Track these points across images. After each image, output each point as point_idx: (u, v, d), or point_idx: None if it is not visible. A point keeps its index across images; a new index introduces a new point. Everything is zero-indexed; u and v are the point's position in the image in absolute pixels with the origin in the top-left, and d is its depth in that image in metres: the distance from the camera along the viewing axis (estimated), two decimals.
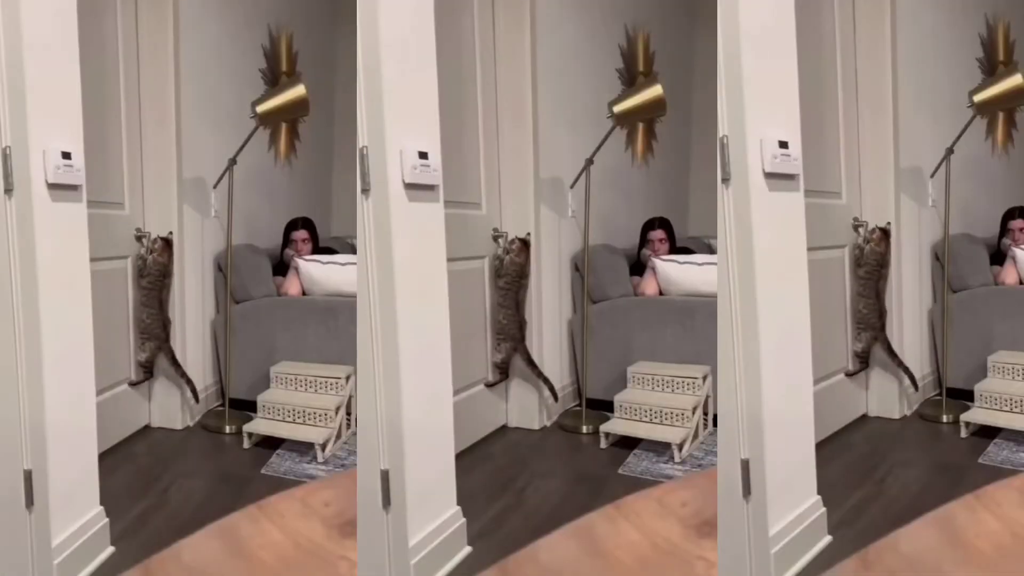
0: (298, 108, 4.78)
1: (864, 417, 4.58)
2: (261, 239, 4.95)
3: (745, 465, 3.07)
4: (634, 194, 5.20)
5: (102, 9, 4.23)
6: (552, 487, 3.91)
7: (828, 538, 3.29)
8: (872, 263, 4.40)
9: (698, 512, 3.55)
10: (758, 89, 3.02)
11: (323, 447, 4.13)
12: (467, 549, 3.32)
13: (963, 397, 4.50)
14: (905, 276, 4.61)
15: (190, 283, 4.60)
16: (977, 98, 4.66)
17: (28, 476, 3.06)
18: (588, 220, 4.61)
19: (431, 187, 3.17)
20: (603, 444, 4.31)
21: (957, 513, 3.52)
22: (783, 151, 3.07)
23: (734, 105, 3.00)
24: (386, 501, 3.08)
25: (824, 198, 4.28)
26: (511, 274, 4.39)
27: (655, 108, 4.81)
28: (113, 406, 4.22)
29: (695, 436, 4.21)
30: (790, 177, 3.14)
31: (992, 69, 4.91)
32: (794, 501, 3.19)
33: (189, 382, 4.50)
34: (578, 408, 4.62)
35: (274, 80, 5.00)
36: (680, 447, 4.12)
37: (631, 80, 5.02)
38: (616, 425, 4.31)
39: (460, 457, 3.44)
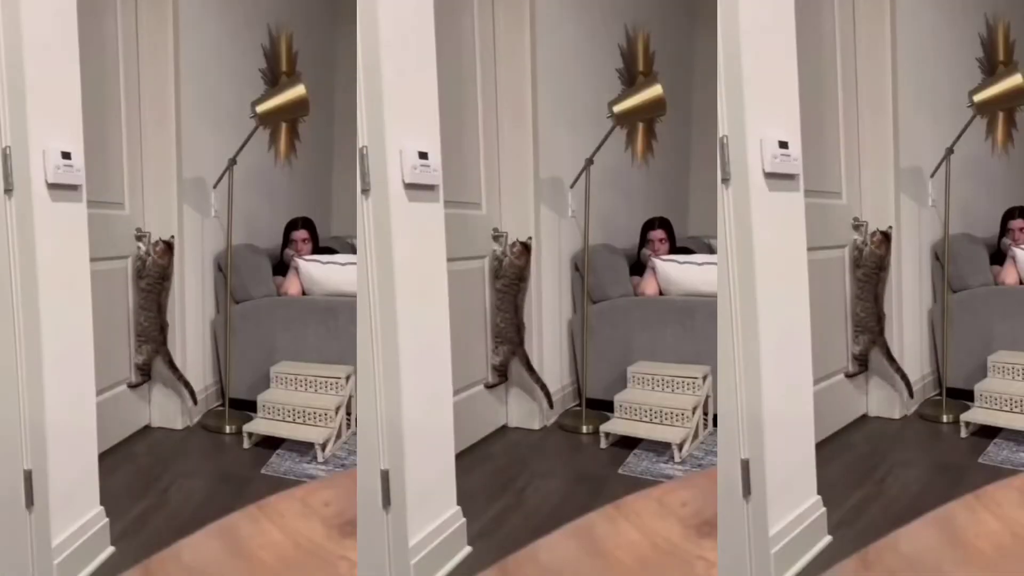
0: (298, 108, 4.78)
1: (864, 417, 4.58)
2: (261, 239, 4.95)
3: (745, 465, 3.07)
4: (634, 194, 5.20)
5: (102, 9, 4.23)
6: (552, 487, 3.91)
7: (828, 538, 3.29)
8: (870, 265, 4.40)
9: (698, 512, 3.55)
10: (758, 89, 3.02)
11: (323, 447, 4.13)
12: (467, 549, 3.32)
13: (963, 397, 4.50)
14: (905, 276, 4.61)
15: (190, 283, 4.60)
16: (977, 98, 4.66)
17: (28, 476, 3.06)
18: (588, 220, 4.61)
19: (431, 187, 3.17)
20: (603, 444, 4.31)
21: (957, 513, 3.52)
22: (783, 151, 3.07)
23: (734, 105, 3.00)
24: (386, 501, 3.08)
25: (824, 198, 4.28)
26: (509, 276, 4.39)
27: (655, 108, 4.81)
28: (113, 406, 4.22)
29: (695, 436, 4.21)
30: (790, 177, 3.14)
31: (992, 69, 4.91)
32: (794, 501, 3.19)
33: (187, 386, 4.50)
34: (578, 408, 4.62)
35: (274, 80, 5.00)
36: (680, 447, 4.12)
37: (631, 80, 5.02)
38: (616, 425, 4.31)
39: (460, 457, 3.44)
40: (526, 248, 4.42)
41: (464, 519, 3.33)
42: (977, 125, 4.78)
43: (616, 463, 4.09)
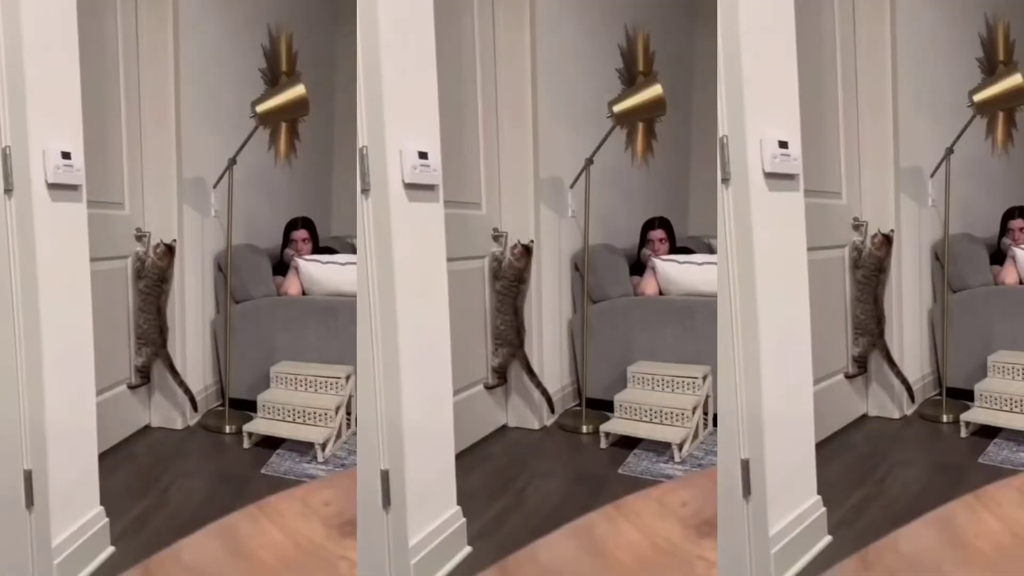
0: (298, 108, 4.78)
1: (864, 417, 4.58)
2: (261, 239, 4.95)
3: (745, 465, 3.07)
4: (634, 194, 5.20)
5: (102, 9, 4.23)
6: (552, 487, 3.91)
7: (828, 538, 3.29)
8: (869, 267, 4.40)
9: (698, 512, 3.55)
10: (758, 89, 3.02)
11: (323, 447, 4.13)
12: (467, 549, 3.32)
13: (963, 397, 4.50)
14: (905, 276, 4.61)
15: (190, 283, 4.60)
16: (977, 98, 4.66)
17: (28, 476, 3.06)
18: (588, 220, 4.61)
19: (431, 187, 3.17)
20: (603, 444, 4.31)
21: (957, 513, 3.52)
22: (783, 151, 3.07)
23: (734, 105, 3.00)
24: (386, 501, 3.08)
25: (824, 198, 4.28)
26: (508, 278, 4.39)
27: (655, 108, 4.81)
28: (113, 406, 4.22)
29: (695, 436, 4.21)
30: (790, 177, 3.14)
31: (992, 69, 4.91)
32: (794, 501, 3.19)
33: (187, 391, 4.50)
34: (578, 408, 4.62)
35: (274, 80, 5.00)
36: (680, 447, 4.12)
37: (631, 80, 5.02)
38: (616, 425, 4.31)
39: (460, 457, 3.44)
40: (527, 250, 4.41)
41: (464, 519, 3.33)
42: (977, 125, 4.78)
43: (616, 463, 4.09)
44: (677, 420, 4.22)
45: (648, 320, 4.61)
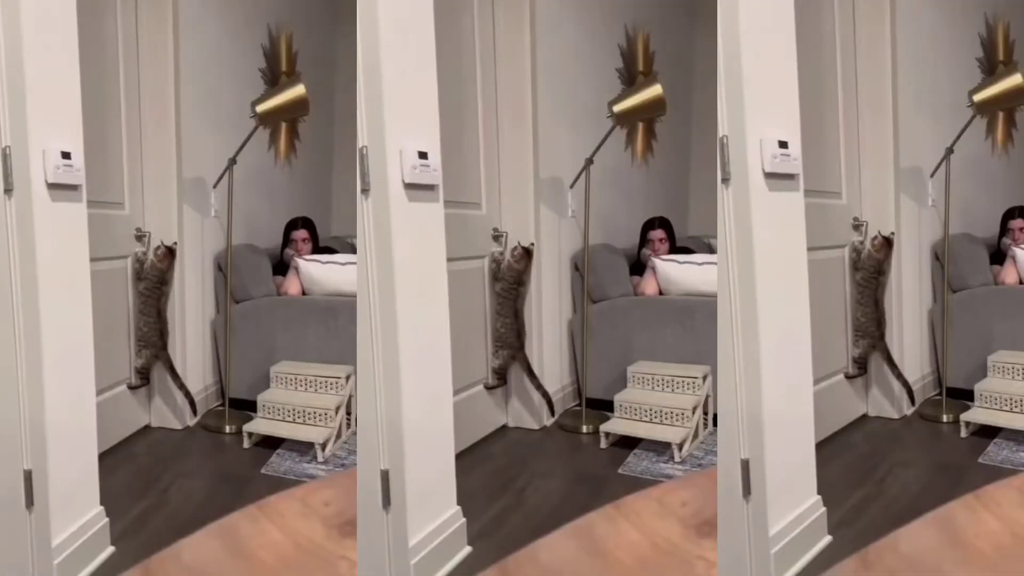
0: (298, 108, 4.78)
1: (864, 417, 4.58)
2: (261, 239, 4.95)
3: (745, 465, 3.07)
4: (634, 194, 5.20)
5: (102, 9, 4.23)
6: (552, 487, 3.91)
7: (828, 538, 3.29)
8: (869, 268, 4.40)
9: (698, 512, 3.55)
10: (758, 89, 3.02)
11: (323, 447, 4.13)
12: (467, 549, 3.32)
13: (963, 397, 4.50)
14: (905, 276, 4.61)
15: (190, 283, 4.60)
16: (977, 98, 4.66)
17: (28, 476, 3.06)
18: (588, 220, 4.61)
19: (431, 187, 3.17)
20: (603, 444, 4.31)
21: (957, 513, 3.52)
22: (783, 151, 3.07)
23: (734, 105, 3.00)
24: (386, 501, 3.08)
25: (824, 198, 4.28)
26: (507, 280, 4.38)
27: (655, 108, 4.81)
28: (113, 406, 4.22)
29: (695, 436, 4.21)
30: (790, 177, 3.14)
31: (992, 69, 4.91)
32: (794, 501, 3.19)
33: (188, 394, 4.50)
34: (578, 408, 4.62)
35: (274, 80, 5.00)
36: (680, 447, 4.12)
37: (631, 80, 5.02)
38: (616, 425, 4.31)
39: (460, 457, 3.44)
40: (527, 253, 4.41)
41: (464, 519, 3.33)
42: (977, 125, 4.78)
43: (616, 463, 4.09)
44: (677, 420, 4.22)
45: (648, 320, 4.61)
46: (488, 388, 4.42)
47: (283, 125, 5.12)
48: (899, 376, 4.51)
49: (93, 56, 3.85)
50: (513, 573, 3.26)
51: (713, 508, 3.31)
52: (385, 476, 3.07)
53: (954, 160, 4.56)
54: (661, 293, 4.76)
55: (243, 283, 4.70)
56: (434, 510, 3.21)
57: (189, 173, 4.57)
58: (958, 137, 4.57)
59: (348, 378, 4.27)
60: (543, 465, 4.16)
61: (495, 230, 4.46)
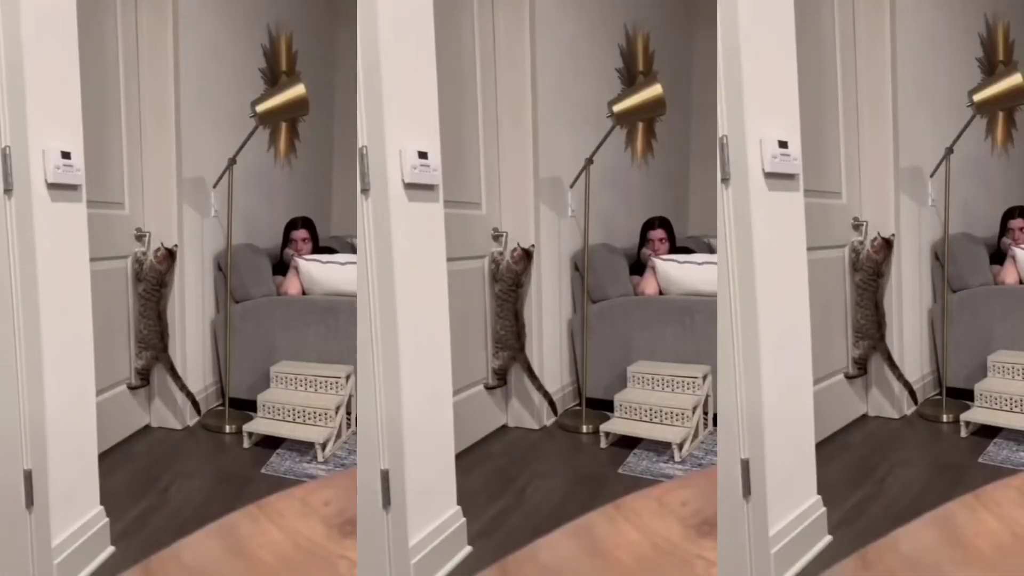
0: (298, 107, 4.78)
1: (864, 417, 4.58)
2: (261, 239, 4.95)
3: (745, 465, 3.07)
4: (634, 193, 5.20)
5: (102, 9, 4.23)
6: (552, 487, 3.91)
7: (828, 538, 3.29)
8: (868, 270, 4.40)
9: (698, 512, 3.55)
10: (758, 89, 3.02)
11: (323, 447, 4.13)
12: (467, 549, 3.32)
13: (963, 397, 4.50)
14: (905, 276, 4.61)
15: (190, 283, 4.60)
16: (977, 97, 4.66)
17: (28, 476, 3.06)
18: (588, 220, 4.61)
19: (431, 187, 3.17)
20: (603, 444, 4.31)
21: (957, 513, 3.52)
22: (783, 151, 3.07)
23: (734, 105, 3.00)
24: (386, 501, 3.08)
25: (824, 198, 4.28)
26: (506, 281, 4.38)
27: (655, 107, 4.81)
28: (113, 406, 4.22)
29: (695, 436, 4.21)
30: (790, 177, 3.14)
31: (992, 68, 4.91)
32: (794, 501, 3.19)
33: (189, 394, 4.50)
34: (578, 408, 4.62)
35: (274, 79, 5.00)
36: (680, 447, 4.12)
37: (631, 79, 5.02)
38: (616, 425, 4.31)
39: (460, 457, 3.44)
40: (526, 254, 4.41)
41: (464, 519, 3.33)
42: (977, 125, 4.78)
43: (616, 463, 4.09)
44: (677, 420, 4.22)
45: (648, 320, 4.61)
46: (488, 388, 4.42)
47: (283, 125, 5.12)
48: (900, 377, 4.51)
49: (93, 56, 3.85)
50: (513, 573, 3.26)
51: (713, 508, 3.31)
52: (385, 476, 3.07)
53: (954, 160, 4.56)
54: (661, 293, 4.76)
55: (243, 283, 4.70)
56: (434, 510, 3.21)
57: (189, 173, 4.57)
58: (958, 137, 4.57)
59: (348, 378, 4.27)
60: (543, 465, 4.16)
61: (495, 230, 4.46)
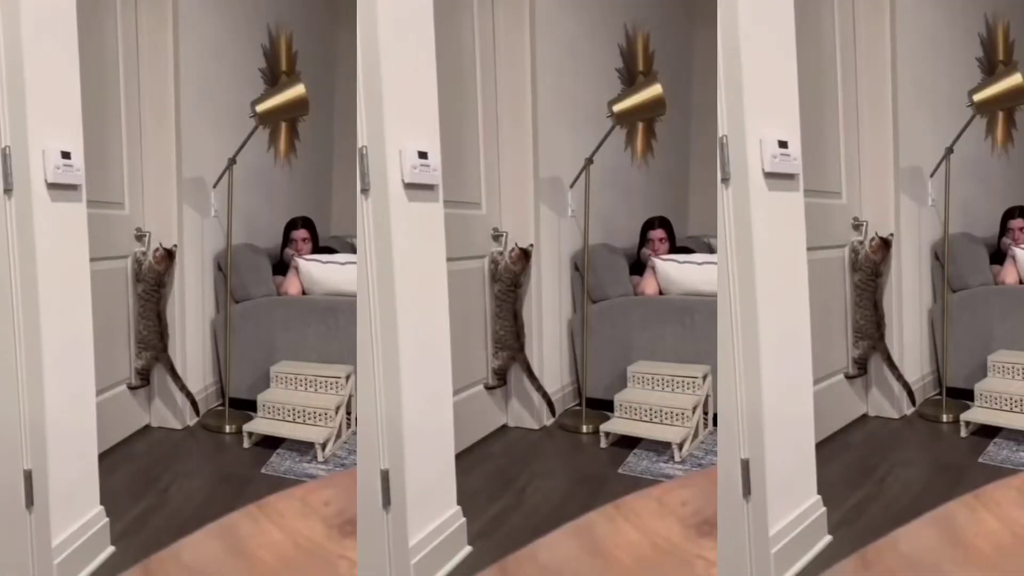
0: (298, 107, 4.78)
1: (864, 417, 4.58)
2: (261, 239, 4.95)
3: (745, 465, 3.07)
4: (634, 193, 5.20)
5: (102, 9, 4.23)
6: (552, 487, 3.91)
7: (828, 538, 3.29)
8: (867, 270, 4.40)
9: (698, 511, 3.55)
10: (758, 89, 3.02)
11: (323, 447, 4.13)
12: (467, 549, 3.32)
13: (963, 397, 4.50)
14: (905, 276, 4.61)
15: (190, 283, 4.60)
16: (977, 97, 4.66)
17: (28, 476, 3.06)
18: (588, 219, 4.61)
19: (431, 187, 3.17)
20: (603, 444, 4.31)
21: (957, 513, 3.52)
22: (783, 151, 3.07)
23: (734, 105, 3.00)
24: (386, 501, 3.08)
25: (824, 198, 4.28)
26: (505, 281, 4.38)
27: (655, 107, 4.81)
28: (113, 406, 4.22)
29: (695, 436, 4.21)
30: (790, 177, 3.14)
31: (992, 68, 4.91)
32: (794, 501, 3.19)
33: (189, 395, 4.50)
34: (578, 408, 4.62)
35: (274, 79, 5.00)
36: (680, 446, 4.12)
37: (631, 79, 5.02)
38: (616, 425, 4.31)
39: (460, 457, 3.44)
40: (525, 254, 4.41)
41: (464, 519, 3.33)
42: (977, 125, 4.78)
43: (616, 463, 4.09)
44: (677, 420, 4.22)
45: (648, 320, 4.61)
46: (488, 388, 4.42)
47: (283, 125, 5.12)
48: (899, 377, 4.51)
49: (93, 56, 3.85)
50: (513, 573, 3.26)
51: (713, 508, 3.31)
52: (385, 476, 3.07)
53: (954, 160, 4.56)
54: (661, 293, 4.76)
55: (243, 283, 4.70)
56: (434, 510, 3.21)
57: (189, 173, 4.57)
58: (958, 137, 4.57)
59: (348, 378, 4.27)
60: (543, 465, 4.17)
61: (495, 230, 4.46)
